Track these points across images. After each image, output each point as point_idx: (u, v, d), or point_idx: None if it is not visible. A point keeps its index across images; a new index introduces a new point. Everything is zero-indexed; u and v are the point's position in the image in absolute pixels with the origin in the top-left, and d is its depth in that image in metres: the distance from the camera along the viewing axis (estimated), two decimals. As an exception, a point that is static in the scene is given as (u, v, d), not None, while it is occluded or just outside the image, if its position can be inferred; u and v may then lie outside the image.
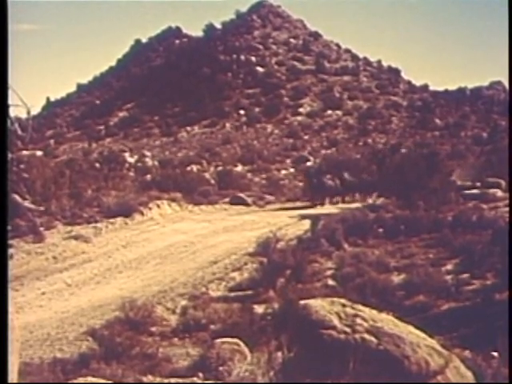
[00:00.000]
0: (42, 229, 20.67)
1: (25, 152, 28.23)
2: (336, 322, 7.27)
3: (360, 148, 61.22)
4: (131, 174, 41.76)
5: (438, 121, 74.35)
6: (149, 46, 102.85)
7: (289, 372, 7.21)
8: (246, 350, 9.27)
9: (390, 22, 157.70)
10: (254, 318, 11.02)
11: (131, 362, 9.57)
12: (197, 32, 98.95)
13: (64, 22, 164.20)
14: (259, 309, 11.95)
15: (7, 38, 6.54)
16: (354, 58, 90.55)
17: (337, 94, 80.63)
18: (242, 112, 77.16)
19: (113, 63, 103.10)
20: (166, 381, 8.89)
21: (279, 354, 7.66)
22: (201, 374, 8.89)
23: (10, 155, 24.14)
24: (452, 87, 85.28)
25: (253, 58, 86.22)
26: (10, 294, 6.08)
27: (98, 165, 40.00)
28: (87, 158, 49.13)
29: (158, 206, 26.11)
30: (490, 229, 15.65)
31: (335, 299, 7.81)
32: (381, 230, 18.23)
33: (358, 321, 7.28)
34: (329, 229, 18.14)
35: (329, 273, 14.44)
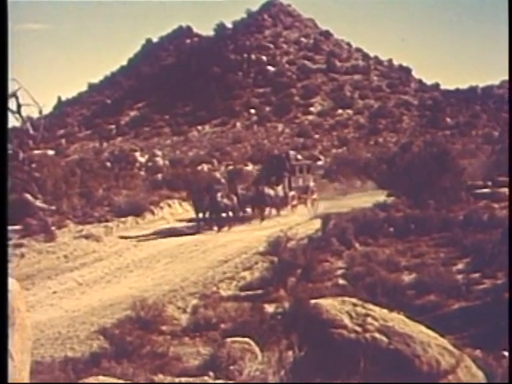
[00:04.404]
0: (53, 228, 20.76)
1: (36, 151, 28.34)
2: (347, 321, 7.27)
3: (371, 147, 61.15)
4: (142, 173, 41.88)
5: (448, 120, 74.18)
6: (160, 46, 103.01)
7: (299, 371, 7.20)
8: (256, 349, 9.26)
9: (400, 20, 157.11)
10: (264, 317, 11.02)
11: (142, 361, 9.59)
12: (207, 31, 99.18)
13: (76, 22, 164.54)
14: (270, 308, 11.96)
15: (7, 38, 6.57)
16: (365, 56, 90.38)
17: (347, 92, 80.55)
18: (252, 111, 77.18)
19: (124, 62, 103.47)
20: (176, 380, 8.89)
21: (290, 353, 7.65)
22: (211, 373, 8.88)
23: (21, 154, 24.22)
24: (463, 86, 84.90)
25: (263, 57, 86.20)
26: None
27: (108, 164, 40.12)
28: (98, 157, 49.28)
29: (169, 206, 26.17)
30: (500, 228, 15.54)
31: (346, 298, 7.80)
32: (391, 229, 18.19)
33: (369, 320, 7.27)
34: (339, 228, 18.11)
35: (339, 272, 14.43)
